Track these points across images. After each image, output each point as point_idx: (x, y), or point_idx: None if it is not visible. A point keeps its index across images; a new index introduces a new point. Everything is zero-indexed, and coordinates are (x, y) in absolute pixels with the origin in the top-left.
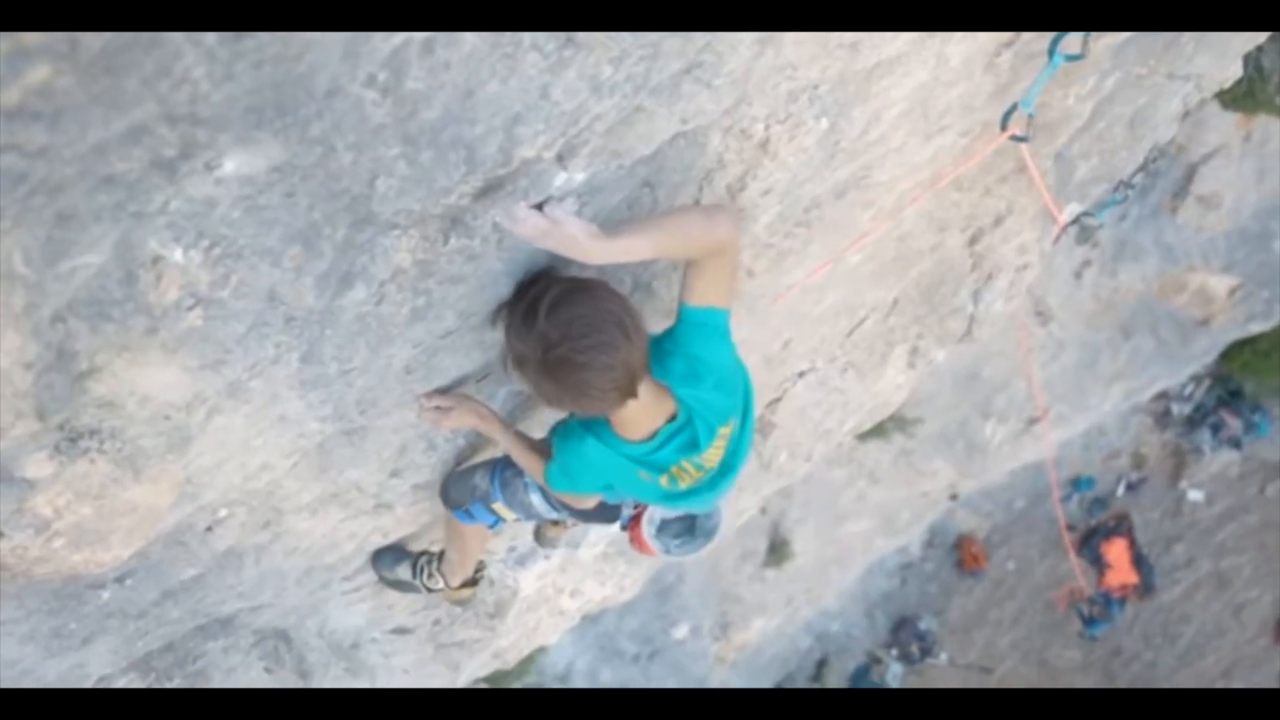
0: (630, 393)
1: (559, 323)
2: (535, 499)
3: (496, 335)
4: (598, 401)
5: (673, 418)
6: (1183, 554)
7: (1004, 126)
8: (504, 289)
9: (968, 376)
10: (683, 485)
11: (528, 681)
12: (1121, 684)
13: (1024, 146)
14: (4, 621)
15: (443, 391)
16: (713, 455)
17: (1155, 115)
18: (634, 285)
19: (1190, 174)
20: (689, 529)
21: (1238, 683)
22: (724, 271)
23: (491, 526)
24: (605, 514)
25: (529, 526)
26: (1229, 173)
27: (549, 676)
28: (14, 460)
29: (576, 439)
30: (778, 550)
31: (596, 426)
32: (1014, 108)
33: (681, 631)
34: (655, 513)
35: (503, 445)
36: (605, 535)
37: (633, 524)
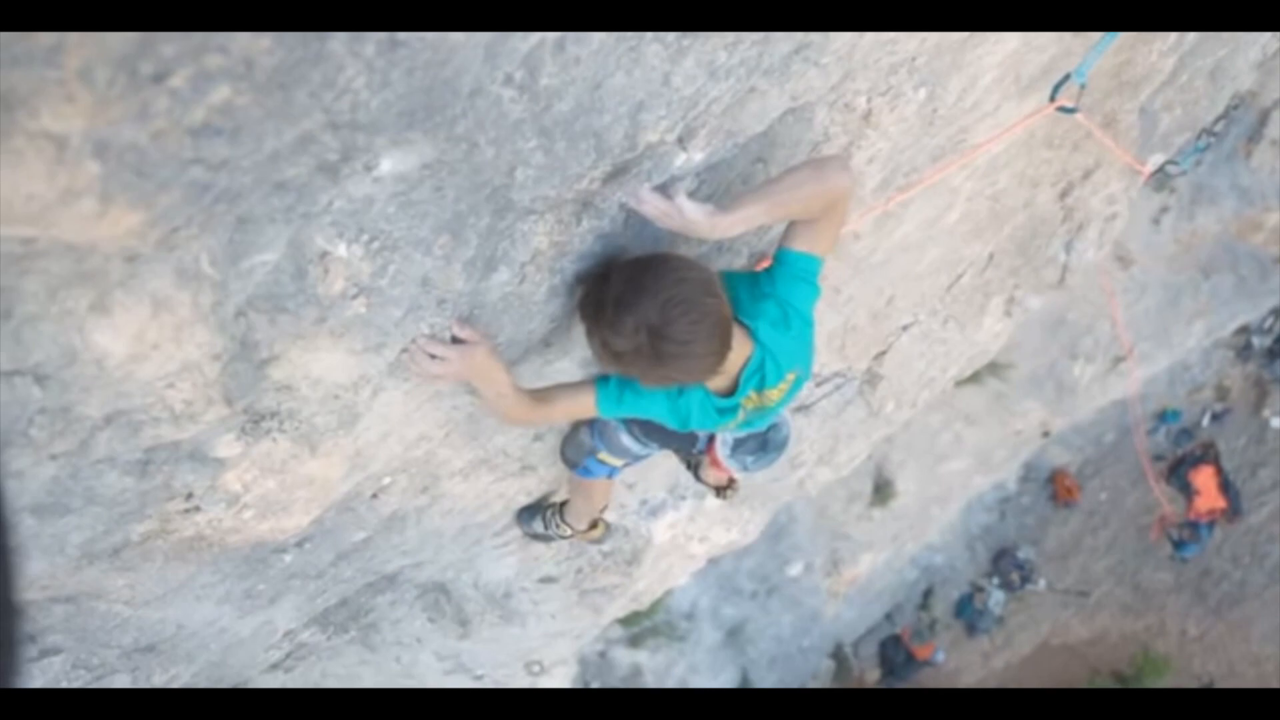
0: (725, 352)
1: (654, 307)
2: (625, 439)
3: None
4: (706, 370)
5: (749, 359)
6: (1267, 478)
7: (1053, 97)
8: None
9: (1055, 322)
10: (743, 417)
11: (657, 620)
12: (1211, 602)
13: (1082, 116)
14: (203, 585)
15: (454, 335)
16: (773, 394)
17: (1235, 65)
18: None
19: (1263, 119)
20: (762, 444)
21: None
22: (832, 223)
23: (610, 476)
24: (683, 440)
25: (660, 482)
26: None
27: (676, 614)
28: (207, 443)
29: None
30: (882, 490)
31: None
32: (1066, 78)
33: (795, 569)
34: (726, 436)
35: (509, 403)
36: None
37: (708, 448)
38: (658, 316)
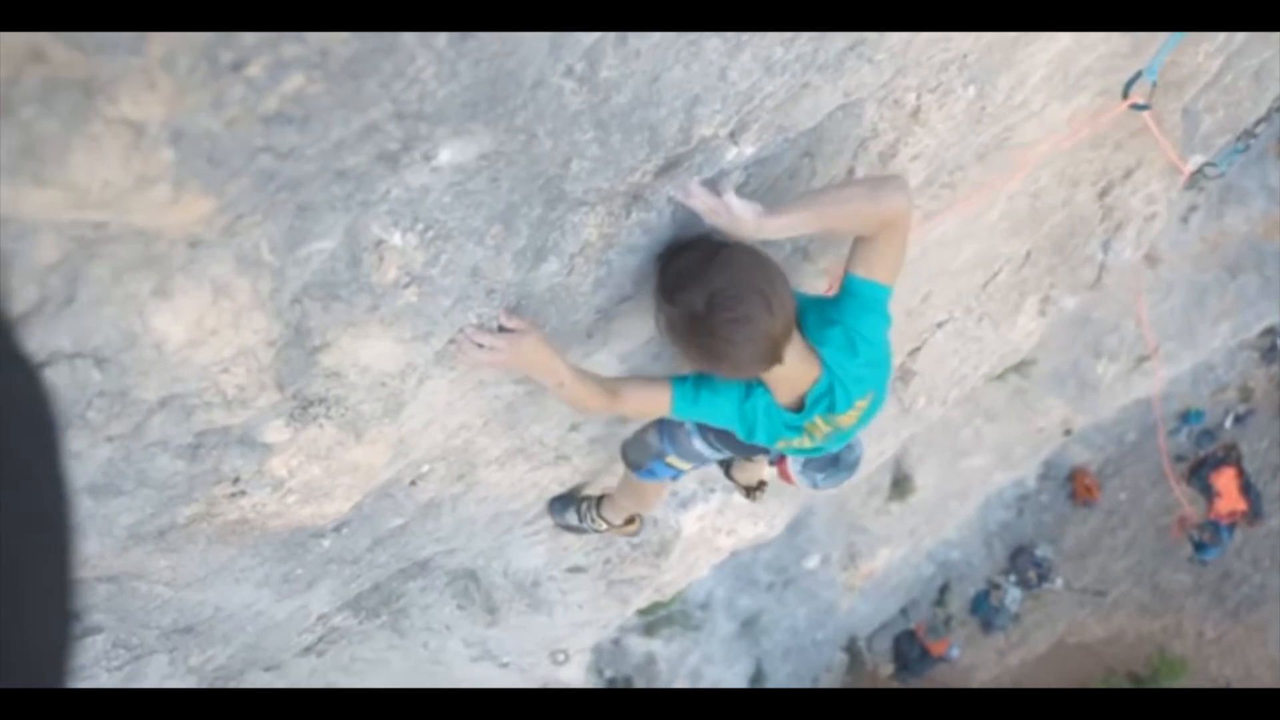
0: (773, 360)
1: (705, 294)
2: (698, 443)
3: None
4: (740, 370)
5: (817, 381)
6: None
7: (1125, 94)
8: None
9: (1080, 319)
10: (810, 442)
11: (672, 609)
12: (1230, 605)
13: (1147, 114)
14: (242, 568)
15: (501, 325)
16: (845, 420)
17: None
18: (792, 250)
19: None
20: (833, 462)
21: None
22: (892, 246)
23: (674, 479)
24: (754, 449)
25: (692, 474)
26: None
27: (691, 604)
28: (256, 428)
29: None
30: (901, 485)
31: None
32: (1138, 75)
33: (812, 562)
34: None
35: (575, 390)
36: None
37: (780, 460)
38: (704, 305)
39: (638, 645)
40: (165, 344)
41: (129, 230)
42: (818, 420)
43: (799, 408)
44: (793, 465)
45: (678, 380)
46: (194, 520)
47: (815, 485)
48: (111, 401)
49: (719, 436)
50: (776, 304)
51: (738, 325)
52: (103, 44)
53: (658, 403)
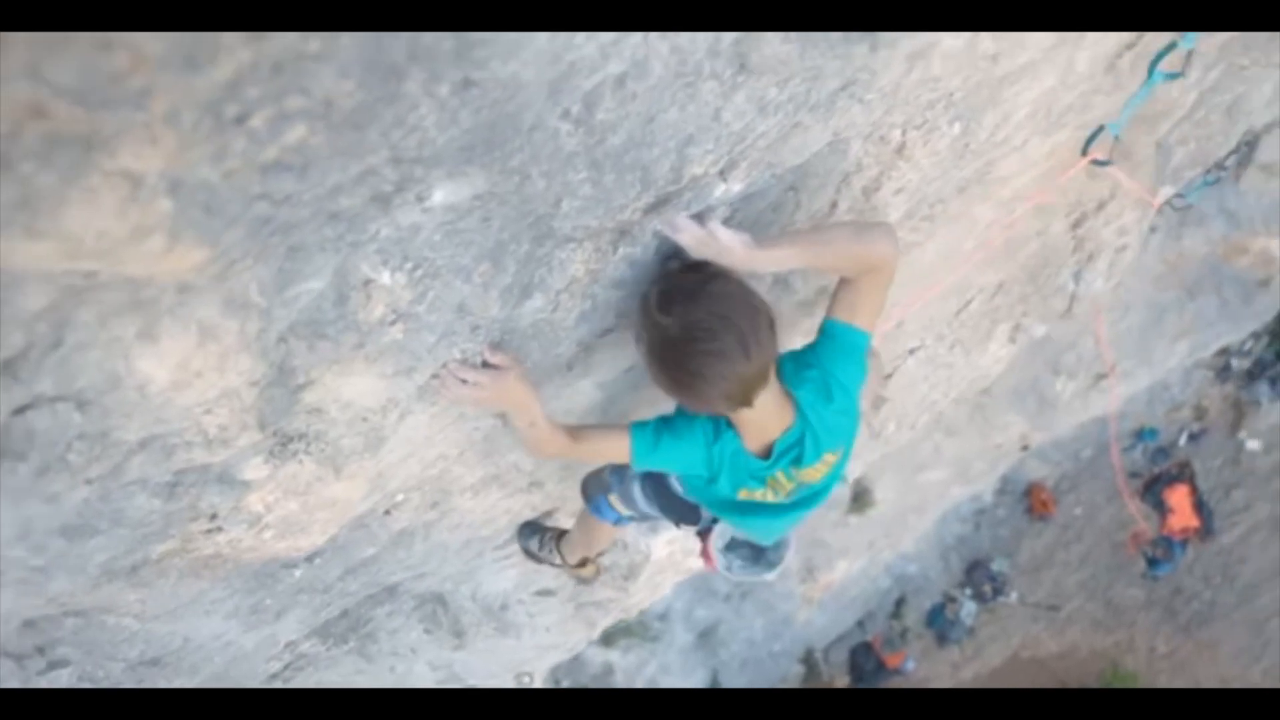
0: (743, 403)
1: (682, 321)
2: (636, 489)
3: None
4: (706, 405)
5: (788, 429)
6: (1241, 499)
7: (1085, 151)
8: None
9: (1040, 337)
10: (773, 497)
11: (630, 620)
12: (1182, 620)
13: (1112, 167)
14: (213, 600)
15: (485, 360)
16: (810, 474)
17: (1251, 101)
18: (774, 280)
19: (1254, 143)
20: (757, 556)
21: None
22: (874, 292)
23: (616, 523)
24: (689, 514)
25: None
26: None
27: (649, 615)
28: (235, 465)
29: (688, 416)
30: (860, 498)
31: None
32: (1100, 130)
33: (771, 574)
34: (726, 529)
35: (541, 433)
36: None
37: (705, 534)
38: (679, 331)
39: (595, 655)
40: (149, 386)
41: (119, 278)
42: (779, 475)
43: (766, 455)
44: (716, 543)
45: (637, 427)
46: (167, 556)
47: (730, 570)
48: (92, 444)
49: (656, 493)
50: (754, 346)
51: (709, 359)
52: (106, 99)
53: (616, 449)
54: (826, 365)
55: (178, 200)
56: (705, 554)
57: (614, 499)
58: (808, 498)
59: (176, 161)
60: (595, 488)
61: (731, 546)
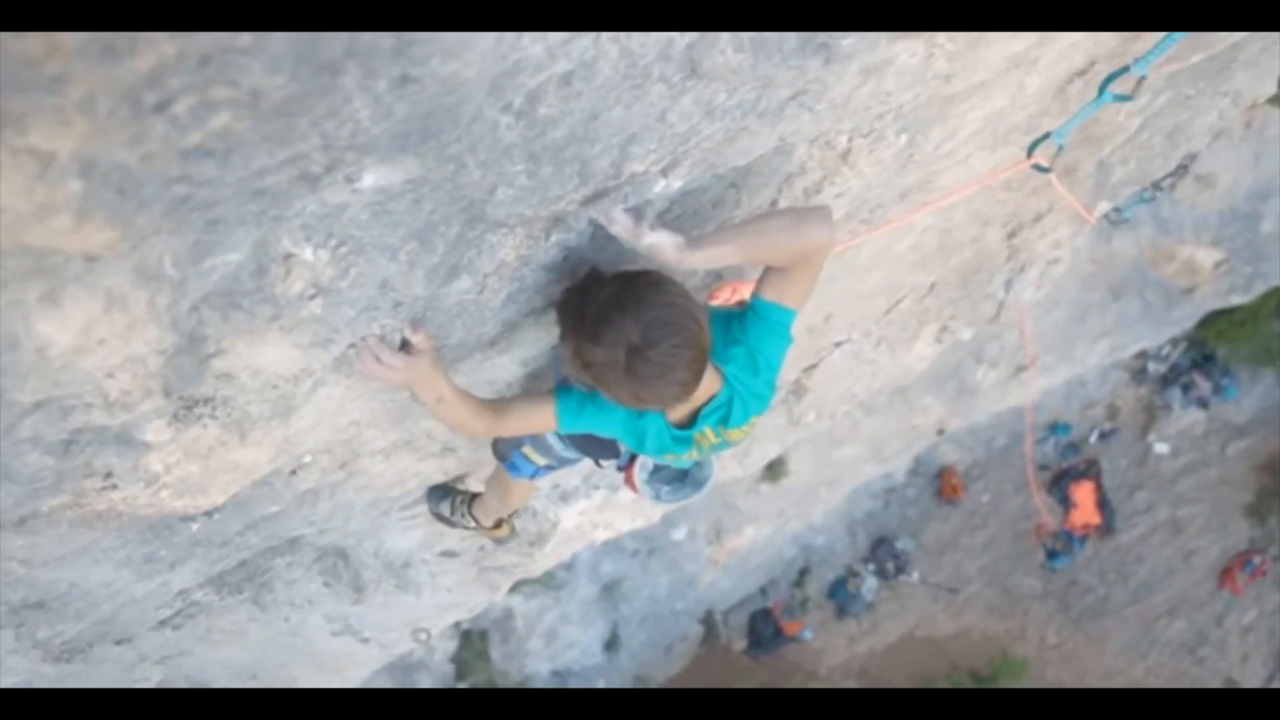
0: (694, 388)
1: (639, 326)
2: (551, 437)
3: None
4: (675, 397)
5: (714, 396)
6: (1143, 500)
7: (1030, 153)
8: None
9: (966, 340)
10: (698, 455)
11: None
12: (1074, 613)
13: (1052, 175)
14: (104, 549)
15: (404, 337)
16: (735, 434)
17: (1193, 127)
18: (705, 271)
19: (1190, 154)
20: (681, 477)
21: (1180, 621)
22: (806, 276)
23: (532, 477)
24: (608, 449)
25: (576, 471)
26: (1227, 155)
27: (556, 566)
28: (135, 427)
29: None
30: (775, 468)
31: None
32: (1046, 136)
33: (679, 533)
34: (648, 460)
35: (452, 409)
36: None
37: (627, 465)
38: (639, 336)
39: (496, 600)
40: (49, 349)
41: (20, 247)
42: (707, 431)
43: (690, 422)
44: (640, 473)
45: (562, 393)
46: (58, 509)
47: (658, 498)
48: None
49: (574, 437)
50: (702, 318)
51: (681, 349)
52: (18, 83)
53: (543, 419)
54: (753, 342)
55: (89, 181)
56: (631, 484)
57: (528, 450)
58: (726, 447)
59: (90, 144)
60: (507, 444)
61: (656, 474)
